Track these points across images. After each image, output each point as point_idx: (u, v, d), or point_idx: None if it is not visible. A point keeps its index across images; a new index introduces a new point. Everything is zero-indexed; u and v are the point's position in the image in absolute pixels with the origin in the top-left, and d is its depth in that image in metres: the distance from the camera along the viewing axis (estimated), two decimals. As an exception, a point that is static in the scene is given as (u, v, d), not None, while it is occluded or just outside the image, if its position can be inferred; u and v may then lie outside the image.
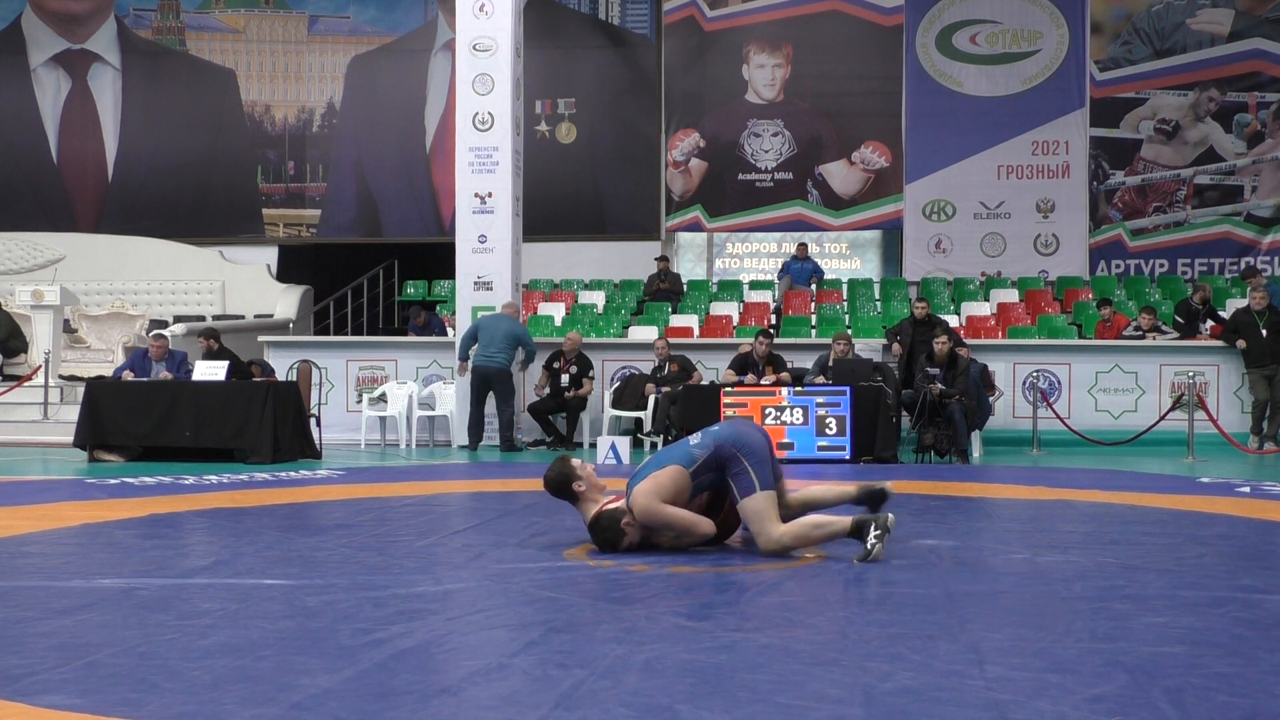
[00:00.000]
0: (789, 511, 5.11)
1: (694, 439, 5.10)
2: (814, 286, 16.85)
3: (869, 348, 12.57)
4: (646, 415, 12.03)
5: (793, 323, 15.23)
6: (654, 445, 11.57)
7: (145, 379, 11.09)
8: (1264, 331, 12.06)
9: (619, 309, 16.33)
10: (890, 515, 4.92)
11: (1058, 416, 11.86)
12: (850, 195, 18.41)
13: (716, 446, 4.98)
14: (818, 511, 5.13)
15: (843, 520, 4.94)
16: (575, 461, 5.23)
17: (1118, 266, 18.03)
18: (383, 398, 12.71)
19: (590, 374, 12.49)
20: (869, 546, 4.81)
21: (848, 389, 10.56)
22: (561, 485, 5.20)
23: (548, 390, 12.38)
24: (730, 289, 17.23)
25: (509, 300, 12.33)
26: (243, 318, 17.19)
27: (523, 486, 8.20)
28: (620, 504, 5.11)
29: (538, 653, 3.28)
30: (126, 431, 10.56)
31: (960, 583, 4.41)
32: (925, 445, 10.70)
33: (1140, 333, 13.24)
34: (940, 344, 10.90)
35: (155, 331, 13.08)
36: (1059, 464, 10.36)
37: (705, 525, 5.07)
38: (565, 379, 12.34)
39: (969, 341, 12.46)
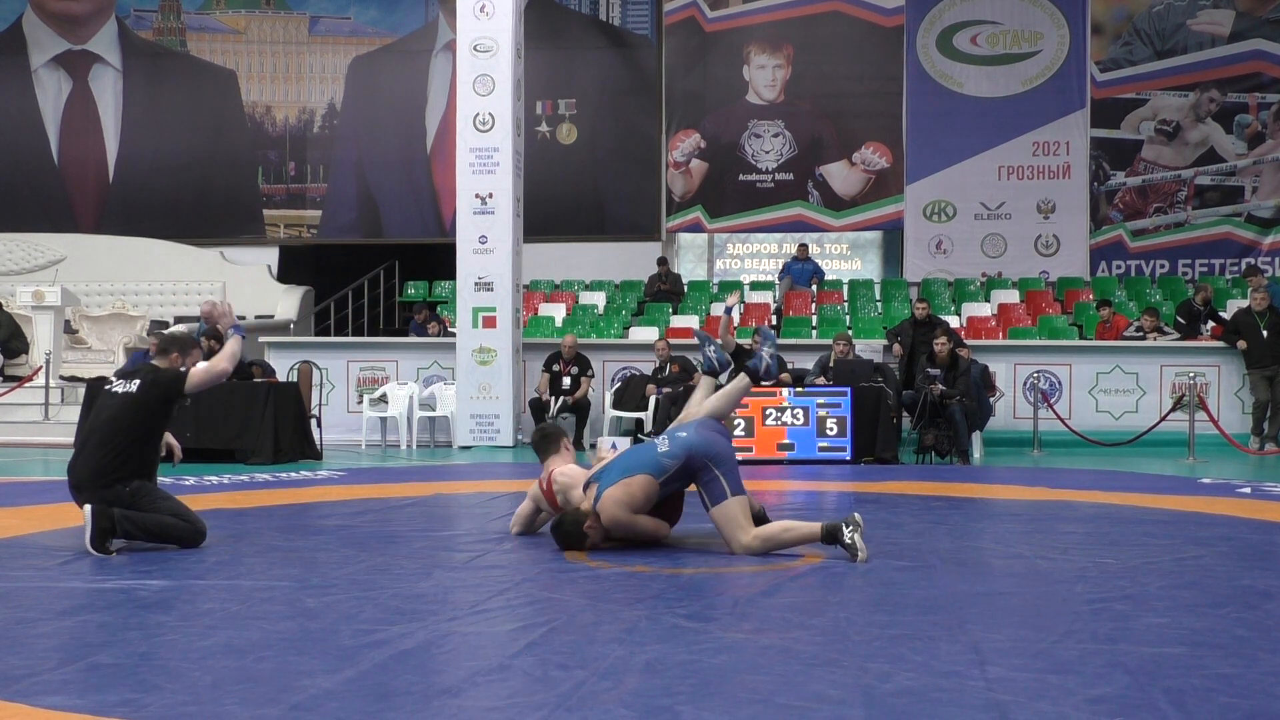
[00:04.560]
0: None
1: (662, 445, 5.10)
2: (815, 287, 16.84)
3: (870, 348, 12.56)
4: (647, 416, 12.03)
5: (793, 323, 15.23)
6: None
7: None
8: (1265, 332, 12.06)
9: (619, 310, 16.33)
10: (854, 513, 4.98)
11: (1058, 417, 11.85)
12: (851, 196, 18.40)
13: (688, 457, 5.01)
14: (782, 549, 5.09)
15: (813, 526, 4.98)
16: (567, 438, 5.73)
17: (1118, 267, 18.03)
18: (383, 398, 12.71)
19: (589, 373, 12.52)
20: (850, 542, 4.85)
21: (848, 390, 10.55)
22: (551, 434, 5.70)
23: (548, 392, 12.39)
24: (731, 290, 17.18)
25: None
26: (243, 318, 17.15)
27: (523, 487, 8.20)
28: (584, 504, 5.18)
29: (539, 653, 3.28)
30: (127, 432, 10.54)
31: (961, 583, 4.41)
32: (926, 446, 10.69)
33: (1141, 334, 13.24)
34: (940, 345, 10.90)
35: (156, 332, 13.08)
36: (1060, 465, 10.36)
37: (664, 531, 5.25)
38: (566, 381, 12.37)
39: (970, 342, 12.44)
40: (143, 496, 5.21)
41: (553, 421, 5.69)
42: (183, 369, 5.42)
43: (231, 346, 5.44)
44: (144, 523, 5.14)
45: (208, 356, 11.28)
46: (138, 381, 5.30)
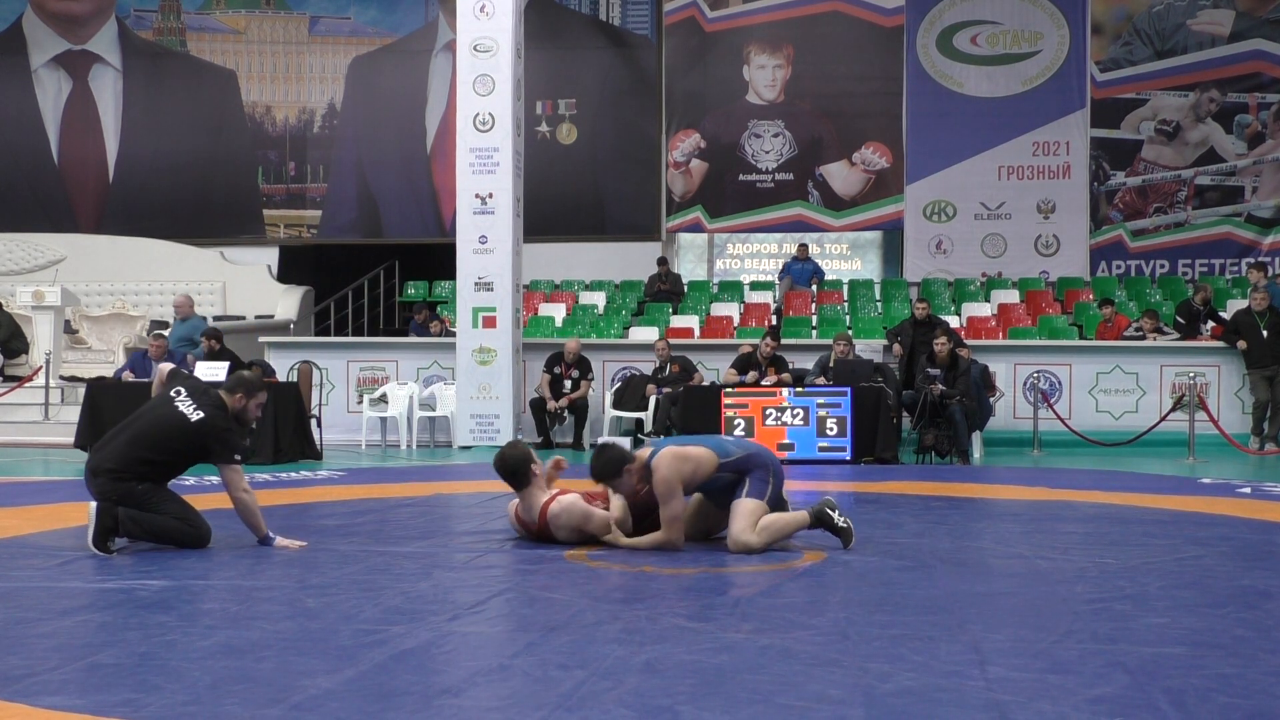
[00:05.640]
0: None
1: (730, 441, 5.33)
2: (815, 287, 16.84)
3: (870, 348, 12.56)
4: (647, 416, 12.03)
5: (793, 323, 15.22)
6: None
7: (146, 380, 11.08)
8: (1265, 332, 12.05)
9: (619, 310, 16.33)
10: (826, 497, 5.25)
11: (1058, 417, 11.85)
12: (851, 196, 18.40)
13: (753, 455, 5.20)
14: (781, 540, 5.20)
15: (800, 514, 5.16)
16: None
17: (1118, 267, 18.02)
18: (383, 398, 12.71)
19: (589, 376, 12.51)
20: (845, 525, 5.11)
21: (848, 390, 10.55)
22: (520, 464, 5.24)
23: (549, 393, 12.37)
24: (731, 290, 17.23)
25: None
26: (243, 318, 17.18)
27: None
28: (640, 455, 5.13)
29: (538, 653, 3.28)
30: (127, 432, 10.54)
31: (961, 583, 4.41)
32: (926, 446, 10.69)
33: (1141, 334, 13.25)
34: (940, 344, 10.89)
35: (155, 332, 13.08)
36: (1060, 465, 10.36)
37: (679, 540, 5.11)
38: (568, 385, 12.35)
39: (970, 342, 12.44)
40: (152, 496, 5.19)
41: (512, 443, 5.45)
42: (247, 414, 5.35)
43: (249, 518, 5.29)
44: (148, 524, 5.14)
45: (208, 356, 11.33)
46: (200, 414, 5.18)
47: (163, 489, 5.29)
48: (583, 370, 12.44)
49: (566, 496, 5.25)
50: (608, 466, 5.06)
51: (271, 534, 5.33)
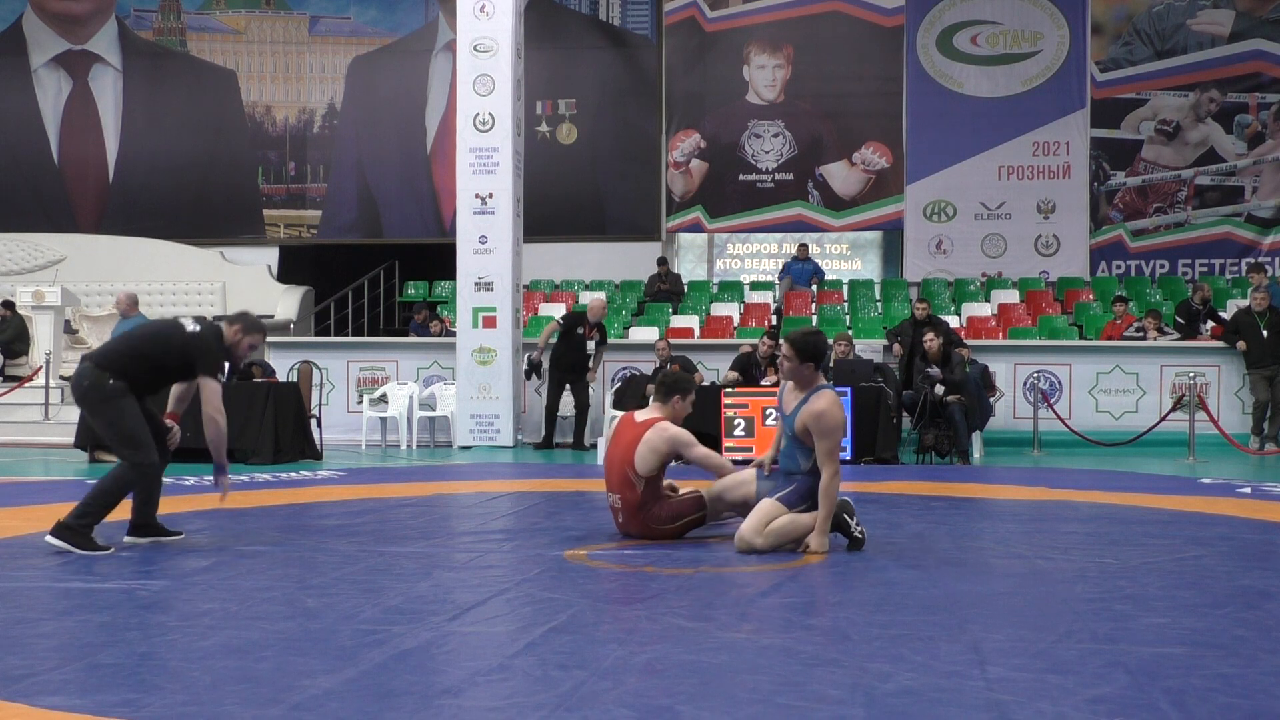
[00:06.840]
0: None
1: None
2: (815, 287, 16.84)
3: (870, 348, 12.56)
4: (647, 416, 12.00)
5: (793, 324, 15.22)
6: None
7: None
8: (1265, 332, 12.05)
9: (620, 310, 16.33)
10: (846, 500, 5.22)
11: (1058, 417, 11.85)
12: (851, 196, 18.40)
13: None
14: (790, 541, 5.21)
15: (812, 516, 5.14)
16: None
17: (1118, 267, 18.02)
18: (383, 398, 12.71)
19: (606, 342, 12.48)
20: (859, 535, 5.15)
21: (848, 390, 10.54)
22: (681, 385, 5.61)
23: (550, 340, 12.17)
24: (731, 290, 17.23)
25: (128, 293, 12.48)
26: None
27: (524, 487, 8.22)
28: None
29: (538, 653, 3.28)
30: (127, 432, 10.54)
31: (961, 583, 4.41)
32: (926, 446, 10.69)
33: (1143, 333, 13.25)
34: (929, 340, 10.88)
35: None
36: (1060, 465, 10.36)
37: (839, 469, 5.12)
38: (591, 345, 12.25)
39: (970, 342, 12.44)
40: (118, 399, 5.21)
41: (691, 380, 5.62)
42: (238, 348, 5.53)
43: (215, 437, 5.39)
44: (96, 504, 5.17)
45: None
46: (196, 328, 5.37)
47: (129, 399, 5.28)
48: (603, 334, 12.43)
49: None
50: (814, 348, 5.13)
51: (226, 466, 5.50)
